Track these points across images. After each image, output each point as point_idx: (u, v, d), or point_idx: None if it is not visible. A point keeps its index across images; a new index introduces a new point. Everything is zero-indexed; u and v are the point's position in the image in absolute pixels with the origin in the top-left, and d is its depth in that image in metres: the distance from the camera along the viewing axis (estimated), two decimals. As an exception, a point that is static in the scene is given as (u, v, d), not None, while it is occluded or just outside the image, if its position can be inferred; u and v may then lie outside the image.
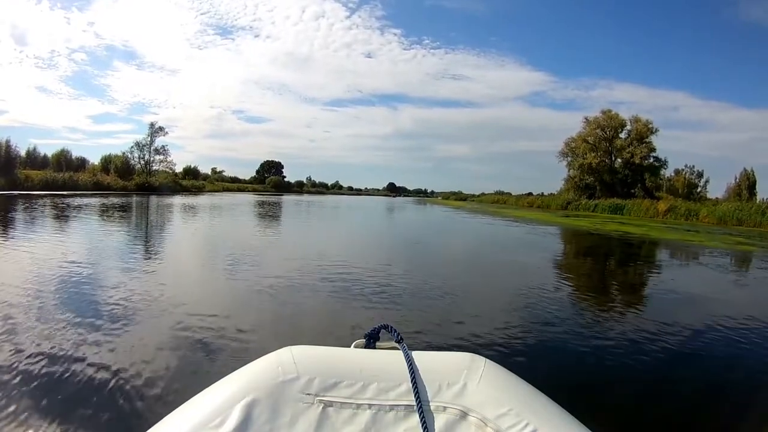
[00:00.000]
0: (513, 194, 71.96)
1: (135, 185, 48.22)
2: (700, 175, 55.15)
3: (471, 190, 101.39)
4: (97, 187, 43.50)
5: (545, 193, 65.33)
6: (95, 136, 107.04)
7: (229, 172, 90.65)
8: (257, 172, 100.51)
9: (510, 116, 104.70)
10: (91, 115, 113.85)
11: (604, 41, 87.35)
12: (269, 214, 25.96)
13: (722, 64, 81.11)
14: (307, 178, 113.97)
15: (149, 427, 1.06)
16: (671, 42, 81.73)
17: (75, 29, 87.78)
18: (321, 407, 1.05)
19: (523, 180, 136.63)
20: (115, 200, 29.17)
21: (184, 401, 1.14)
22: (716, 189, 53.83)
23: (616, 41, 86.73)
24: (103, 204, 24.69)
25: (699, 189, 53.99)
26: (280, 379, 1.10)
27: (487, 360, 1.21)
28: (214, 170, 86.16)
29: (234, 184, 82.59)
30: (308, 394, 1.07)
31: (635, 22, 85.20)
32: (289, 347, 1.22)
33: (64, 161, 49.28)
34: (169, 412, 1.12)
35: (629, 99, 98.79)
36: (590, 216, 37.44)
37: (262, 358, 1.21)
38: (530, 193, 68.81)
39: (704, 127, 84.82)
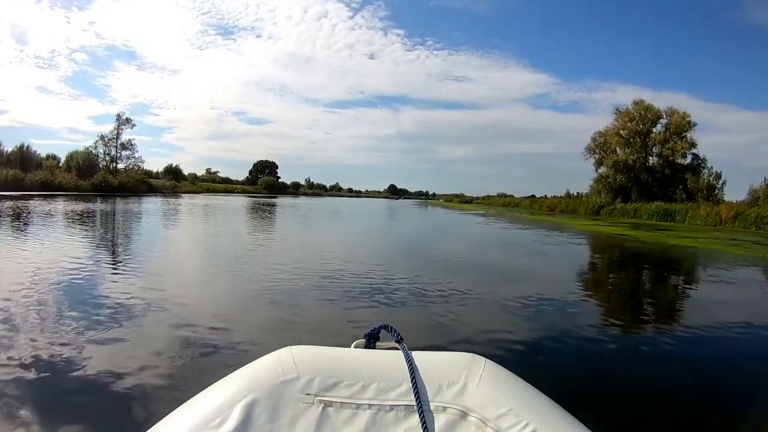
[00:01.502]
0: (515, 196, 69.91)
1: (90, 185, 41.44)
2: (718, 176, 48.65)
3: (471, 191, 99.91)
4: (45, 187, 36.75)
5: (548, 195, 62.91)
6: (95, 136, 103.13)
7: (229, 174, 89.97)
8: (250, 172, 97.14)
9: (512, 118, 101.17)
10: (92, 115, 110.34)
11: (607, 43, 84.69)
12: (224, 226, 19.09)
13: (725, 66, 78.41)
14: (306, 180, 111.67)
15: (149, 427, 1.04)
16: (673, 44, 78.86)
17: (75, 29, 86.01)
18: (321, 407, 1.05)
19: (523, 182, 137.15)
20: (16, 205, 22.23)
21: (184, 401, 1.12)
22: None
23: (619, 43, 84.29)
24: None
25: (716, 191, 47.33)
26: (280, 379, 1.09)
27: (487, 360, 1.18)
28: (208, 170, 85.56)
29: (221, 185, 77.51)
30: (308, 394, 1.06)
31: (637, 24, 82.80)
32: (289, 347, 1.19)
33: (16, 158, 42.24)
34: (169, 412, 1.10)
35: (632, 101, 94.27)
36: (641, 223, 30.87)
37: (262, 358, 1.19)
38: (533, 195, 66.51)
39: (707, 129, 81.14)
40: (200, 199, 41.41)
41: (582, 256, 13.27)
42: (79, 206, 22.92)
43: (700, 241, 17.93)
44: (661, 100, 71.72)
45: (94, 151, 48.88)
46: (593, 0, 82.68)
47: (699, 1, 75.76)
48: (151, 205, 28.75)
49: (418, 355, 1.18)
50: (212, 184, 75.74)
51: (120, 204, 27.41)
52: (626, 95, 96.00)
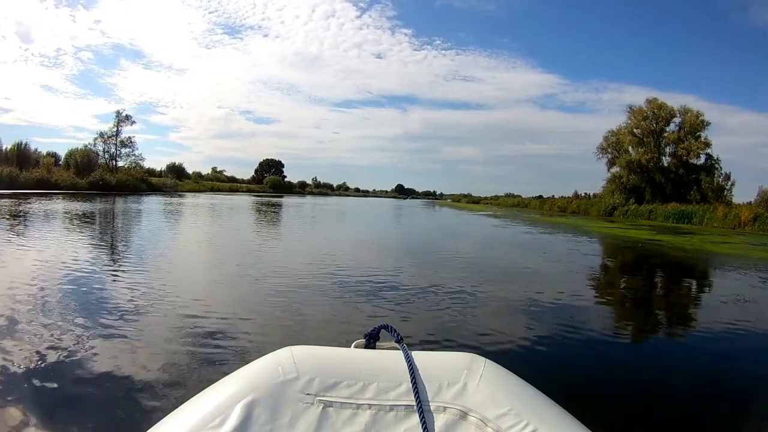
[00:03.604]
0: (523, 196, 68.98)
1: (88, 183, 40.50)
2: (727, 177, 47.09)
3: (479, 191, 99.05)
4: (41, 185, 35.90)
5: (556, 196, 61.00)
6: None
7: (235, 173, 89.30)
8: (256, 171, 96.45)
9: (519, 118, 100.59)
10: (98, 114, 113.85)
11: (614, 44, 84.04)
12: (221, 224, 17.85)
13: (731, 67, 76.87)
14: (313, 179, 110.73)
15: (149, 427, 1.05)
16: (680, 45, 78.60)
17: (81, 27, 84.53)
18: (321, 407, 1.04)
19: (530, 182, 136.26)
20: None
21: (184, 401, 1.12)
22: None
23: (626, 44, 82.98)
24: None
25: (725, 192, 45.71)
26: (280, 379, 1.08)
27: (487, 360, 1.19)
28: (214, 169, 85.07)
29: (226, 184, 76.55)
30: (308, 394, 1.06)
31: (644, 25, 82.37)
32: (289, 347, 1.19)
33: (13, 156, 41.43)
34: (169, 413, 1.10)
35: (639, 102, 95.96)
36: (660, 225, 29.37)
37: (262, 358, 1.19)
38: (540, 196, 64.77)
39: (713, 130, 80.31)
40: (201, 199, 40.26)
41: (641, 270, 11.27)
42: (64, 205, 21.98)
43: (737, 247, 16.61)
44: (669, 101, 73.15)
45: (93, 149, 48.15)
46: (600, 1, 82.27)
47: (705, 3, 75.21)
48: (147, 204, 27.69)
49: (418, 355, 1.17)
50: (216, 182, 74.82)
51: (111, 203, 26.42)
52: (633, 96, 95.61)
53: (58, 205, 21.83)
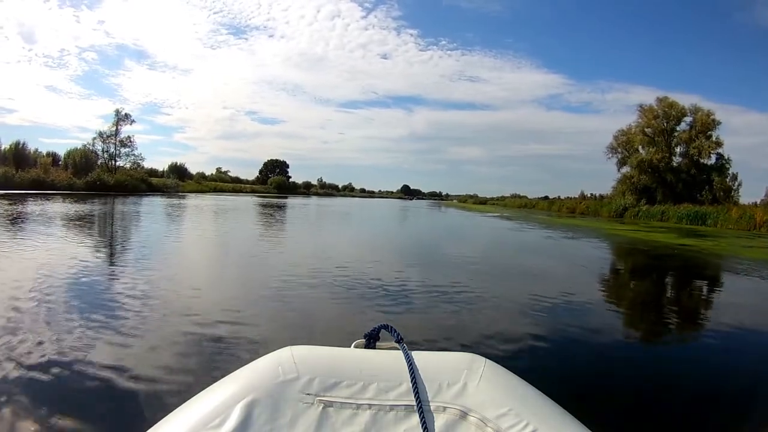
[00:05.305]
0: (529, 197, 69.29)
1: (85, 184, 39.79)
2: (734, 177, 45.71)
3: (484, 192, 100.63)
4: (36, 186, 35.25)
5: (561, 196, 60.14)
6: (104, 135, 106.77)
7: (240, 174, 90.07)
8: (260, 171, 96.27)
9: (524, 119, 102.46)
10: (103, 114, 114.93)
11: (619, 45, 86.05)
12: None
13: (734, 68, 78.93)
14: (318, 180, 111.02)
15: (149, 426, 1.04)
16: (684, 45, 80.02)
17: (85, 28, 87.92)
18: (321, 407, 1.04)
19: (535, 183, 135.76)
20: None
21: (184, 401, 1.12)
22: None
23: (630, 45, 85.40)
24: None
25: (732, 192, 44.33)
26: (280, 379, 1.08)
27: (487, 360, 1.18)
28: (218, 170, 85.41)
29: (229, 185, 76.00)
30: (308, 394, 1.06)
31: (648, 26, 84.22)
32: (289, 347, 1.19)
33: (11, 156, 40.86)
34: (169, 412, 1.09)
35: (645, 102, 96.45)
36: (675, 227, 28.19)
37: (262, 358, 1.19)
38: (546, 197, 64.62)
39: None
40: (201, 200, 39.03)
41: (699, 282, 9.63)
42: (48, 207, 21.13)
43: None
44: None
45: (92, 149, 47.41)
46: (605, 2, 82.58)
47: (709, 3, 75.48)
48: (142, 206, 26.75)
49: (418, 355, 1.17)
50: (220, 183, 74.28)
51: (103, 204, 25.51)
52: (638, 96, 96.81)
53: (44, 206, 21.02)
